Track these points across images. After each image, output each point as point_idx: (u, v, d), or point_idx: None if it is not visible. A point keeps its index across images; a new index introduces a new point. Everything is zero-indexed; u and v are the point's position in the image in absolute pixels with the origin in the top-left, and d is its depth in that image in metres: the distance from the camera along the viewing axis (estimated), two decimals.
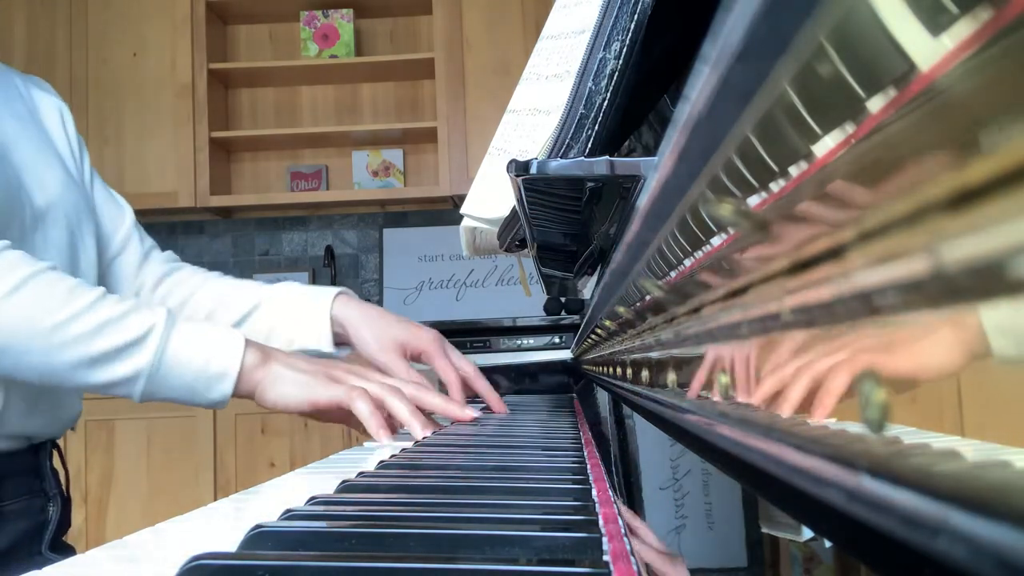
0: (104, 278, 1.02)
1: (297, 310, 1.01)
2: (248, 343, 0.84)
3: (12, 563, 0.85)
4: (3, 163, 0.85)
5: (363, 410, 0.81)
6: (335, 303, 1.01)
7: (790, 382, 0.19)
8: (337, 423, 0.89)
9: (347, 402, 0.82)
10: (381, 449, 0.74)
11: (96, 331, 0.76)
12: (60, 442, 0.98)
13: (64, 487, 0.97)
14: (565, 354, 1.91)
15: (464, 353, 1.04)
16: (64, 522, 0.95)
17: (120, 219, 1.06)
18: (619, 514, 0.37)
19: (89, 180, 1.03)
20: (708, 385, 0.26)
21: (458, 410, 0.88)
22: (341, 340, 1.01)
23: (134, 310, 0.79)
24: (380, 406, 0.82)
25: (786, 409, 0.19)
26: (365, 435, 0.85)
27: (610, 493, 0.44)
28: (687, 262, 0.27)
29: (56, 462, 0.96)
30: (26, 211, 0.86)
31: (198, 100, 3.02)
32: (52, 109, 1.01)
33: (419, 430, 0.81)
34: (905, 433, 0.13)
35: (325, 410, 0.85)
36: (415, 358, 1.03)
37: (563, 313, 1.25)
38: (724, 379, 0.24)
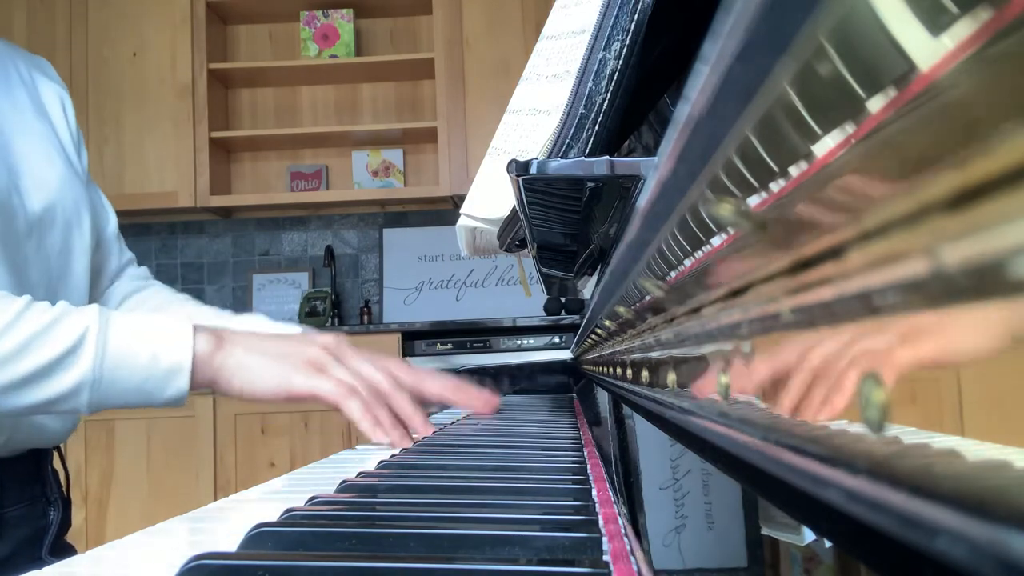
0: None
1: None
2: (197, 329, 0.77)
3: (12, 569, 0.84)
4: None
5: (356, 412, 0.77)
6: None
7: (791, 382, 0.19)
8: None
9: (334, 400, 0.78)
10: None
11: (23, 348, 0.69)
12: (60, 444, 0.97)
13: (64, 489, 0.97)
14: (565, 354, 1.91)
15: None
16: (64, 524, 0.95)
17: (105, 225, 1.04)
18: (619, 515, 0.37)
19: (87, 176, 1.02)
20: (708, 385, 0.26)
21: (422, 424, 0.82)
22: None
23: (63, 315, 0.72)
24: (369, 405, 0.79)
25: (788, 409, 0.19)
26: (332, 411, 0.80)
27: (610, 493, 0.44)
28: (687, 262, 0.27)
29: (56, 463, 0.96)
30: (19, 219, 0.84)
31: (198, 100, 3.02)
32: (54, 97, 0.99)
33: (397, 439, 0.78)
34: (905, 433, 0.13)
35: (299, 399, 0.79)
36: None
37: (563, 313, 1.25)
38: (724, 379, 0.24)
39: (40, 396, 0.71)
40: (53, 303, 0.89)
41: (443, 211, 3.25)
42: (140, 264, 1.12)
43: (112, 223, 1.05)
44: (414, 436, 0.81)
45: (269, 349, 0.79)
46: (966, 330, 0.11)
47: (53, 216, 0.89)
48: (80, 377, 0.71)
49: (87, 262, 0.94)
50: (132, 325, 0.74)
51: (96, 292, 1.02)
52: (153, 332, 0.75)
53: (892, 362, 0.13)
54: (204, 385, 0.78)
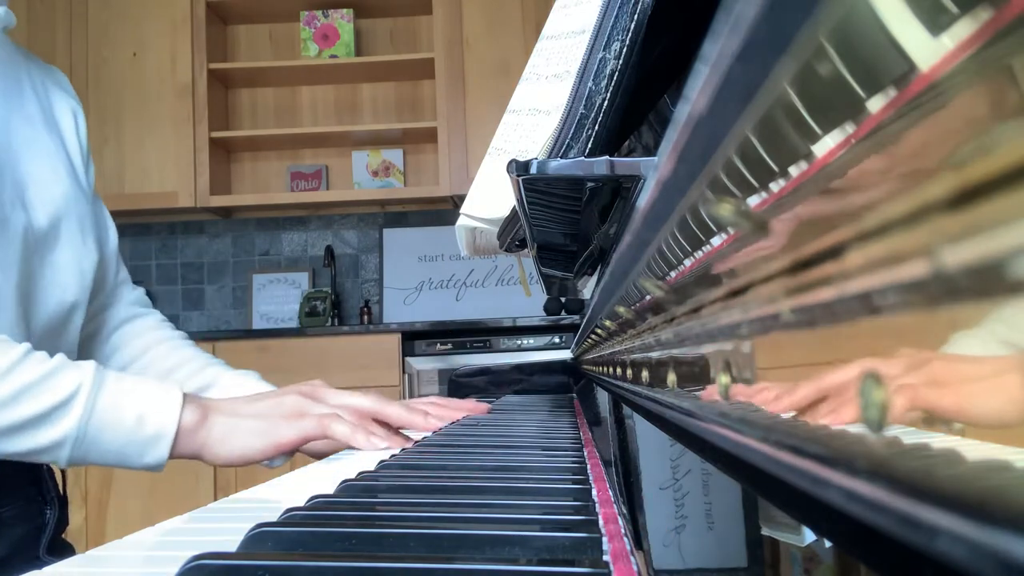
0: None
1: None
2: (186, 399, 0.78)
3: (10, 569, 0.84)
4: (2, 180, 0.82)
5: (344, 431, 0.78)
6: None
7: (791, 381, 0.19)
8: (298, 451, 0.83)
9: (320, 431, 0.79)
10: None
11: (15, 397, 0.70)
12: None
13: (61, 487, 0.96)
14: (565, 354, 1.91)
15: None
16: (62, 522, 0.95)
17: (106, 242, 1.03)
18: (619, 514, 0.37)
19: (93, 192, 1.02)
20: (708, 385, 0.26)
21: (421, 421, 0.85)
22: None
23: (59, 369, 0.73)
24: (356, 425, 0.80)
25: (788, 409, 0.19)
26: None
27: (610, 493, 0.44)
28: (687, 262, 0.27)
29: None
30: (24, 233, 0.83)
31: (198, 100, 3.03)
32: (67, 111, 0.99)
33: (400, 442, 0.79)
34: (905, 433, 0.13)
35: (291, 449, 0.80)
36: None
37: (563, 313, 1.25)
38: (724, 379, 0.24)
39: (22, 446, 0.71)
40: (63, 320, 0.89)
41: (443, 211, 3.25)
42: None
43: (113, 240, 1.04)
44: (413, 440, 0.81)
45: (250, 411, 0.80)
46: (978, 384, 0.11)
47: (57, 231, 0.88)
48: (64, 432, 0.72)
49: (92, 279, 0.94)
50: (124, 387, 0.75)
51: (90, 309, 1.01)
52: (142, 397, 0.75)
53: (892, 363, 0.13)
54: (187, 456, 0.78)
